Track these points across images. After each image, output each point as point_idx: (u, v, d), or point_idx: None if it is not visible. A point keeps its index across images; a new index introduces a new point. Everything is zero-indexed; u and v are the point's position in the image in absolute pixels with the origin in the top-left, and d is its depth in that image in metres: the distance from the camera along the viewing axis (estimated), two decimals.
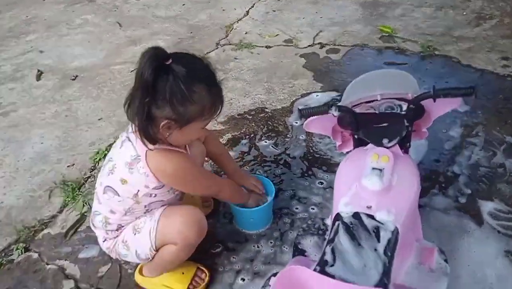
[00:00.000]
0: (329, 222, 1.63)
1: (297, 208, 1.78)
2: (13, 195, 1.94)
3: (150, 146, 1.24)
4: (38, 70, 2.84)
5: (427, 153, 1.98)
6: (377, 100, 1.43)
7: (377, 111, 1.42)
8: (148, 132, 1.20)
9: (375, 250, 1.16)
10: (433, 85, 1.24)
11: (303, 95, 2.45)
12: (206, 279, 1.52)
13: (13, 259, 1.66)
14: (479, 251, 1.56)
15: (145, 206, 1.35)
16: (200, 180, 1.40)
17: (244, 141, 2.15)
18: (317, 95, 2.43)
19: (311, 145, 2.10)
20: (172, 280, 1.49)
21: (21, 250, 1.68)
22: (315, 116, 1.43)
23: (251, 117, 2.32)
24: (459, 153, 1.98)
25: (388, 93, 1.38)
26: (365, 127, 1.39)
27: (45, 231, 1.76)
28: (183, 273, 1.51)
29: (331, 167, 1.95)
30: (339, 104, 1.33)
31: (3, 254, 1.68)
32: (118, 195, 1.31)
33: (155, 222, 1.34)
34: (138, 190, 1.30)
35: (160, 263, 1.43)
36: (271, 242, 1.65)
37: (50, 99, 2.59)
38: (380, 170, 1.26)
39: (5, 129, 2.34)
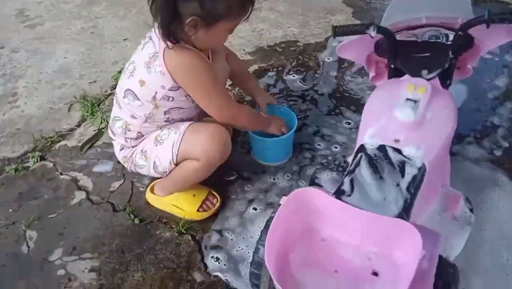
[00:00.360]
0: (350, 159, 1.54)
1: (319, 145, 1.69)
2: (34, 105, 1.92)
3: (170, 44, 1.16)
4: None
5: (466, 100, 1.83)
6: (420, 27, 1.28)
7: (419, 40, 1.27)
8: (171, 29, 1.13)
9: (398, 185, 1.06)
10: (488, 9, 1.08)
11: None
12: (217, 204, 1.47)
13: (28, 166, 1.66)
14: (509, 206, 1.44)
15: (165, 113, 1.30)
16: (216, 91, 1.31)
17: (271, 73, 2.04)
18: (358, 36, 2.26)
19: (341, 83, 1.97)
20: (182, 201, 1.46)
21: (37, 158, 1.67)
22: (350, 40, 1.30)
23: (281, 50, 2.19)
24: (501, 104, 1.82)
25: (435, 17, 1.23)
26: (403, 56, 1.26)
27: (62, 143, 1.75)
28: (194, 195, 1.47)
29: (360, 108, 1.80)
30: (379, 25, 1.19)
31: (19, 161, 1.68)
32: (138, 99, 1.27)
33: (179, 135, 1.29)
34: (156, 92, 1.25)
35: (175, 179, 1.39)
36: (288, 176, 1.58)
37: (77, 15, 2.53)
38: (415, 101, 1.14)
39: (30, 41, 2.31)
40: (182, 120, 1.36)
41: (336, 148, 1.67)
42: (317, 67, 2.06)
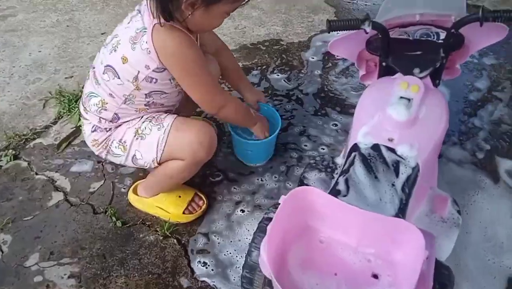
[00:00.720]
0: (339, 160, 1.52)
1: (306, 145, 1.66)
2: (6, 101, 1.82)
3: (163, 21, 1.09)
4: None
5: (448, 103, 1.84)
6: (412, 25, 1.28)
7: (411, 38, 1.27)
8: (167, 5, 1.06)
9: (393, 185, 1.05)
10: (482, 6, 1.08)
11: (322, 31, 2.27)
12: (204, 206, 1.42)
13: (1, 165, 1.56)
14: (492, 208, 1.46)
15: (146, 96, 1.23)
16: (205, 77, 1.23)
17: (255, 72, 2.01)
18: (337, 33, 2.25)
19: (326, 83, 1.95)
20: (167, 202, 1.40)
21: (10, 157, 1.58)
22: (342, 36, 1.28)
23: (264, 48, 2.16)
24: (482, 106, 1.84)
25: (429, 14, 1.22)
26: (395, 54, 1.25)
27: (37, 141, 1.66)
28: (179, 197, 1.42)
29: (345, 108, 1.82)
30: (374, 20, 1.17)
31: None
32: (118, 77, 1.19)
33: (164, 133, 1.22)
34: (138, 72, 1.17)
35: (159, 178, 1.34)
36: (275, 176, 1.55)
37: (52, 7, 2.42)
38: (409, 99, 1.13)
39: (1, 34, 2.18)
40: (163, 105, 1.29)
41: (323, 148, 1.65)
42: (301, 67, 2.04)
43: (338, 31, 1.23)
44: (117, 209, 1.43)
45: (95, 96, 1.26)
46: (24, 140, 1.65)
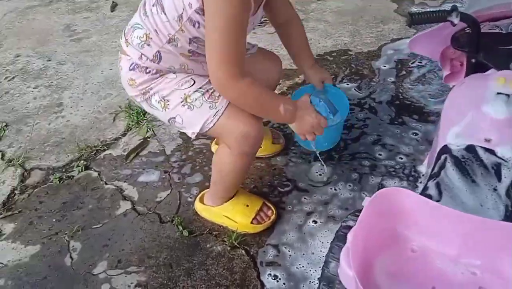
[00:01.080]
0: (423, 169, 1.38)
1: (380, 154, 1.54)
2: (79, 115, 1.87)
3: None
4: (113, 2, 2.77)
5: None
6: (505, 18, 1.15)
7: (504, 31, 1.14)
8: None
9: (495, 189, 0.91)
10: None
11: (393, 40, 2.17)
12: (273, 216, 1.34)
13: (73, 176, 1.59)
14: None
15: (190, 41, 1.14)
16: (235, 38, 1.05)
17: None
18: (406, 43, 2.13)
19: (401, 90, 1.83)
20: (234, 211, 1.34)
21: (82, 168, 1.60)
22: (423, 32, 1.18)
23: (332, 58, 2.08)
24: None
25: None
26: (487, 49, 1.12)
27: (107, 152, 1.68)
28: (247, 206, 1.35)
29: (424, 116, 1.68)
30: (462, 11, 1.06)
31: (63, 170, 1.61)
32: (165, 14, 1.11)
33: (215, 116, 1.15)
34: (183, 9, 1.08)
35: (217, 178, 1.31)
36: (349, 186, 1.44)
37: (122, 29, 2.50)
38: (508, 95, 0.99)
39: (76, 54, 2.29)
40: (205, 57, 1.14)
41: (401, 158, 1.51)
42: (372, 75, 1.94)
43: (420, 24, 1.13)
44: (184, 218, 1.39)
45: (140, 28, 1.17)
46: (95, 151, 1.68)
